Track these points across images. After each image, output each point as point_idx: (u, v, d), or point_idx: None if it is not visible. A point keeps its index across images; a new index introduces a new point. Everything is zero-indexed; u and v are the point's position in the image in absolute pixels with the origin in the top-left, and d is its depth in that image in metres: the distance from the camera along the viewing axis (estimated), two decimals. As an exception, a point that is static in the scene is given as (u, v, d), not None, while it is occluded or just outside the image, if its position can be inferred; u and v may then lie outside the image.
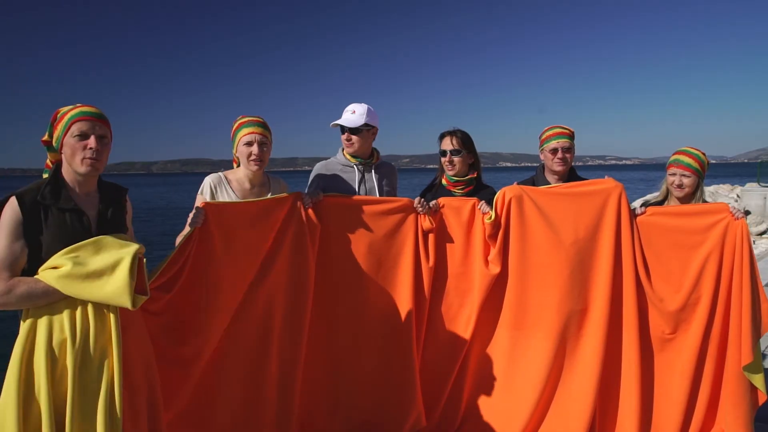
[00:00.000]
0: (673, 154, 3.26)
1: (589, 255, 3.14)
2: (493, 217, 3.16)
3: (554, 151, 3.28)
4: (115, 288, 1.97)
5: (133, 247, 2.07)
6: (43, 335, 1.95)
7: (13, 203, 2.01)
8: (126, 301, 1.98)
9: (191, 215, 2.66)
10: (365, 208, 3.20)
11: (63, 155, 2.14)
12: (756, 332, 2.92)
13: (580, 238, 3.12)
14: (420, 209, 3.24)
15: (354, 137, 3.27)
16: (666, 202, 3.34)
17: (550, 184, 3.32)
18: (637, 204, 3.36)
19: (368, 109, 3.30)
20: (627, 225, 3.09)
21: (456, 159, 3.39)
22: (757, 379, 2.94)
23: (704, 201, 3.25)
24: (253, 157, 2.85)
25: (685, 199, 3.23)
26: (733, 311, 2.99)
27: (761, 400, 2.99)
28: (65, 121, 2.11)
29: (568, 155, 3.27)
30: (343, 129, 3.28)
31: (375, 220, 3.20)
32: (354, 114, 3.26)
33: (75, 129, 2.10)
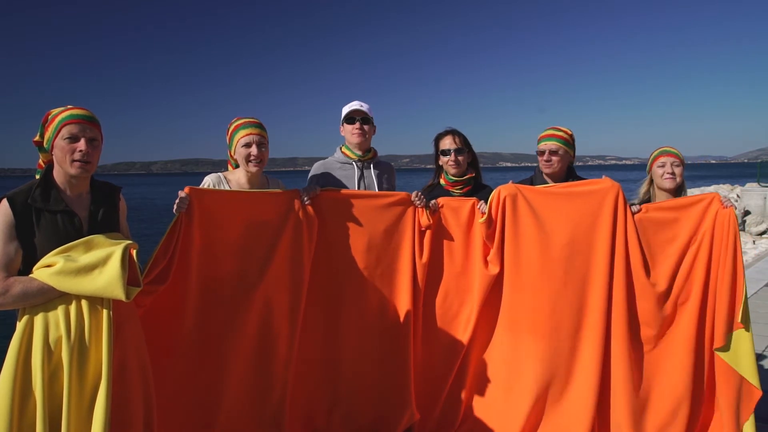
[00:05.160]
0: (655, 152, 3.28)
1: (585, 255, 3.12)
2: (485, 217, 3.16)
3: (541, 153, 3.31)
4: (108, 280, 1.99)
5: (124, 243, 2.10)
6: (39, 333, 1.97)
7: (4, 205, 2.03)
8: (119, 293, 2.00)
9: (176, 202, 2.66)
10: (363, 202, 3.20)
11: (54, 157, 2.15)
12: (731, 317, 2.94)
13: (576, 239, 3.11)
14: (418, 203, 3.24)
15: (366, 127, 3.34)
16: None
17: (547, 183, 3.32)
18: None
19: (369, 107, 3.40)
20: (623, 225, 3.08)
21: (461, 158, 3.41)
22: (745, 369, 2.92)
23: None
24: (252, 158, 2.87)
25: (676, 192, 3.22)
26: (717, 300, 3.00)
27: (756, 396, 2.96)
28: (56, 123, 2.12)
29: (554, 158, 3.27)
30: (354, 119, 3.32)
31: (373, 215, 3.20)
32: (362, 106, 3.36)
33: (65, 132, 2.11)
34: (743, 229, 14.63)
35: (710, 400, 3.12)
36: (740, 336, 2.95)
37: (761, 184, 17.81)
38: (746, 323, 2.93)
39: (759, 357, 4.83)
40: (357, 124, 3.32)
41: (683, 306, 3.08)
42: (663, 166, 3.20)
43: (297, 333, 3.04)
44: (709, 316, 3.06)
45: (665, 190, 3.23)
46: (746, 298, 2.95)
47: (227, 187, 2.94)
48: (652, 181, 3.32)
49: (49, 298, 2.00)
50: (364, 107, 3.35)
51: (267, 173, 3.12)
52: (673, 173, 3.17)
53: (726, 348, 2.95)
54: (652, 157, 3.29)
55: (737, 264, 2.95)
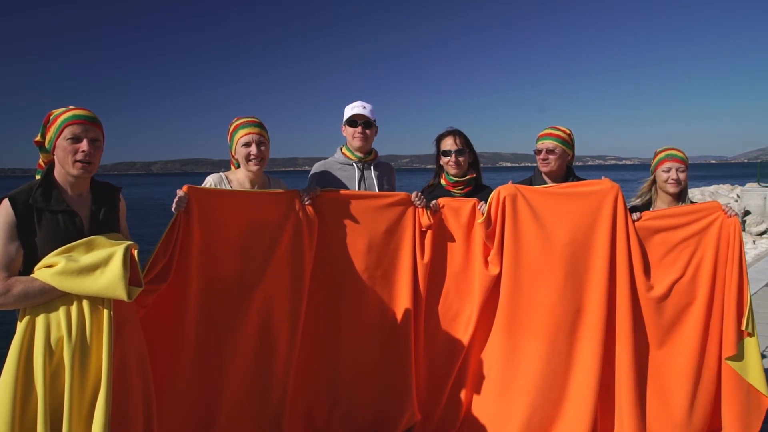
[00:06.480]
0: (661, 152, 3.22)
1: (584, 256, 3.12)
2: (483, 217, 3.15)
3: (538, 151, 3.33)
4: (110, 280, 1.99)
5: (126, 243, 2.10)
6: (41, 333, 1.97)
7: (6, 205, 2.04)
8: (121, 293, 2.00)
9: (175, 200, 2.66)
10: (363, 203, 3.19)
11: (56, 157, 2.16)
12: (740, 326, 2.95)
13: (575, 239, 3.11)
14: (418, 203, 3.24)
15: (368, 131, 3.32)
16: (652, 205, 3.30)
17: (546, 183, 3.33)
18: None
19: (372, 107, 3.37)
20: (623, 226, 3.08)
21: (462, 159, 3.41)
22: (753, 378, 2.92)
23: (691, 200, 3.25)
24: (252, 157, 2.87)
25: (680, 196, 3.21)
26: (725, 308, 3.01)
27: (766, 404, 2.95)
28: (58, 123, 2.13)
29: (551, 156, 3.29)
30: (356, 123, 3.31)
31: (373, 215, 3.20)
32: (365, 109, 3.33)
33: (68, 132, 2.11)
34: (743, 229, 14.64)
35: (716, 410, 3.11)
36: (747, 343, 2.95)
37: (761, 184, 17.81)
38: (752, 331, 2.93)
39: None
40: (359, 128, 3.31)
41: (686, 312, 3.08)
42: (668, 171, 3.16)
43: (297, 333, 3.04)
44: (714, 325, 3.06)
45: (668, 193, 3.22)
46: (751, 306, 2.95)
47: (229, 187, 2.94)
48: (654, 182, 3.29)
49: (50, 298, 2.01)
50: (367, 110, 3.33)
51: (267, 173, 3.12)
52: (677, 179, 3.15)
53: (735, 357, 2.95)
54: (657, 158, 3.23)
55: (743, 273, 2.98)
